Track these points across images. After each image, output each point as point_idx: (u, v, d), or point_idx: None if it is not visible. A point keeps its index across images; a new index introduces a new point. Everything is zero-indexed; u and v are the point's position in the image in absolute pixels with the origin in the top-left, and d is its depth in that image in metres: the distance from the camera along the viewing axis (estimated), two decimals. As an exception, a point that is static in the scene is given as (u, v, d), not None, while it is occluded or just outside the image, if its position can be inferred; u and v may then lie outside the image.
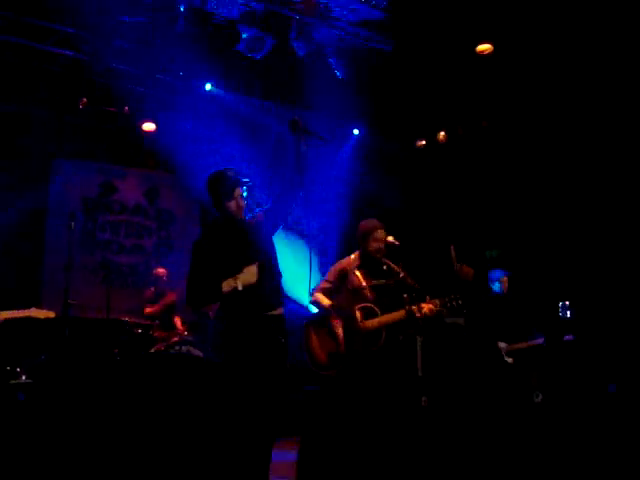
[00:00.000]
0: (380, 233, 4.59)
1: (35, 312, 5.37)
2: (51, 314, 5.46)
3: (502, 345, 6.40)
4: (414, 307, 4.39)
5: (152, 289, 7.31)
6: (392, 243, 4.59)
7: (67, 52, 6.67)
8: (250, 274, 3.48)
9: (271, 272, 3.60)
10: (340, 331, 4.43)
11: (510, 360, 6.36)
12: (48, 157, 7.91)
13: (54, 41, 6.35)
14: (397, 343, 4.51)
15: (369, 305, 4.48)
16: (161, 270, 7.39)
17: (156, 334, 6.77)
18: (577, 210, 7.78)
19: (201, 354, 6.52)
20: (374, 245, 4.55)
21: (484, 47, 6.82)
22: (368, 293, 4.53)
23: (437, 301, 4.44)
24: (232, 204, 3.60)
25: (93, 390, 5.84)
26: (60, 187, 8.00)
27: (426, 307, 4.38)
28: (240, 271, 3.46)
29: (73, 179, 8.09)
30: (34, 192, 7.71)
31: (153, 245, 8.59)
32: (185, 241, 8.76)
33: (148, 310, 7.11)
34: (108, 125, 7.95)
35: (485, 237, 8.83)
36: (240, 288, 3.44)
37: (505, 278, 6.64)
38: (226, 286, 3.45)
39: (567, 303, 7.15)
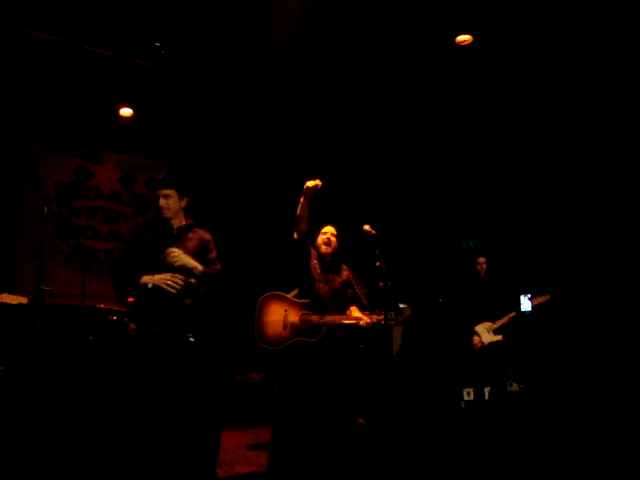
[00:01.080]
0: (326, 228, 4.81)
1: (6, 298, 5.31)
2: (23, 300, 5.40)
3: (486, 325, 6.52)
4: (354, 317, 4.54)
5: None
6: (369, 232, 4.61)
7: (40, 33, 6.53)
8: (161, 279, 3.74)
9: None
10: (289, 316, 4.52)
11: (499, 337, 6.51)
12: (24, 142, 7.79)
13: (28, 22, 6.19)
14: (336, 341, 4.60)
15: (322, 299, 4.55)
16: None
17: (132, 325, 6.73)
18: (553, 199, 7.86)
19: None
20: (319, 238, 4.78)
21: (464, 37, 6.84)
22: (321, 285, 4.62)
23: (374, 316, 4.54)
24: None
25: (66, 377, 5.81)
26: (35, 172, 7.90)
27: (363, 321, 4.47)
28: (159, 270, 3.75)
29: (48, 164, 7.99)
30: (9, 178, 7.62)
31: (129, 231, 8.52)
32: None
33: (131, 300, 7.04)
34: (84, 109, 7.82)
35: (462, 227, 8.89)
36: (149, 286, 3.73)
37: (483, 259, 6.78)
38: (143, 280, 3.76)
39: (529, 295, 7.27)
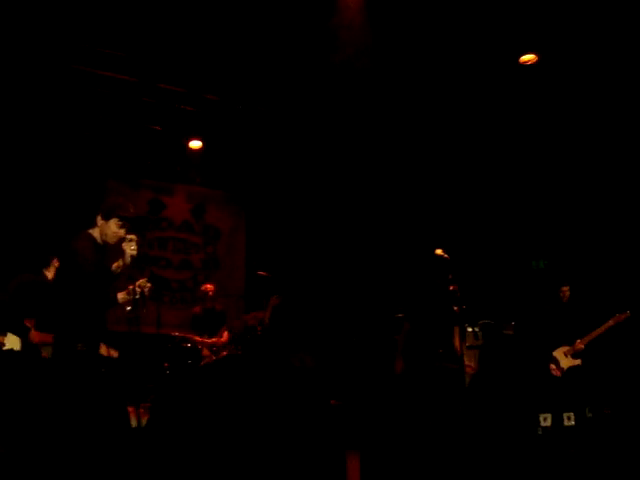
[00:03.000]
0: None
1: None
2: (115, 353, 5.52)
3: (564, 349, 6.36)
4: None
5: (199, 307, 7.42)
6: (441, 256, 4.60)
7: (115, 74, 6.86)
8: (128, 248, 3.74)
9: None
10: None
11: (578, 362, 6.32)
12: (99, 177, 8.11)
13: (105, 64, 6.52)
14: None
15: None
16: (208, 286, 7.49)
17: (204, 352, 6.87)
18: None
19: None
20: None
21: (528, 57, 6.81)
22: None
23: None
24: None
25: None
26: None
27: None
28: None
29: (123, 197, 8.26)
30: (85, 212, 7.92)
31: (200, 261, 8.74)
32: (231, 257, 8.93)
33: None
34: (156, 144, 8.12)
35: (532, 247, 8.72)
36: (128, 263, 3.75)
37: (567, 287, 6.65)
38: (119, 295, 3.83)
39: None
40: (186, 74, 6.95)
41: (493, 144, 8.15)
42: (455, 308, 4.37)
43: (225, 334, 7.28)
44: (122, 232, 3.78)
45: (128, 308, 4.04)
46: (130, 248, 3.74)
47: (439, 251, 4.62)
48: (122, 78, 6.80)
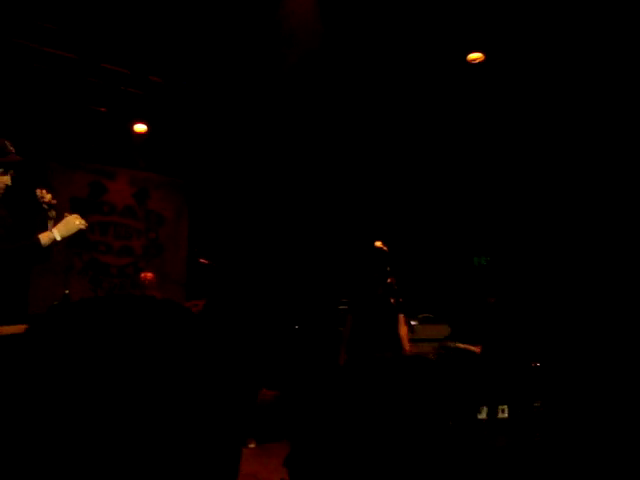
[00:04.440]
0: None
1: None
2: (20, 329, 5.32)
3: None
4: None
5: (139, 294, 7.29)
6: (380, 248, 4.63)
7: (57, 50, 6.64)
8: (71, 224, 3.42)
9: None
10: None
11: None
12: (40, 159, 7.86)
13: (46, 40, 6.30)
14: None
15: None
16: (148, 275, 7.35)
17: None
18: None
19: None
20: None
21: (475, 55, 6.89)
22: None
23: None
24: None
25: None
26: (50, 187, 7.95)
27: None
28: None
29: (63, 179, 8.06)
30: (25, 193, 7.66)
31: (141, 247, 8.57)
32: (174, 244, 8.79)
33: None
34: (99, 126, 7.92)
35: (474, 244, 8.88)
36: (59, 238, 3.36)
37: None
38: (44, 238, 3.33)
39: None
40: (131, 55, 6.78)
41: (439, 140, 8.25)
42: (392, 300, 4.40)
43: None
44: (5, 179, 3.42)
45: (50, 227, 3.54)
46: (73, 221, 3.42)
47: (378, 243, 4.65)
48: (65, 55, 6.58)
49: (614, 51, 6.34)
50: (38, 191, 3.54)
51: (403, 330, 4.70)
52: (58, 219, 3.48)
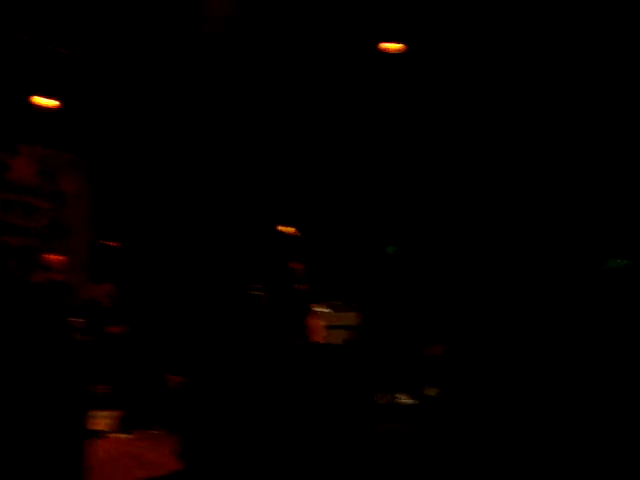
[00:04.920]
0: None
1: None
2: None
3: None
4: None
5: (40, 277, 7.01)
6: (289, 234, 4.61)
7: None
8: None
9: None
10: None
11: None
12: None
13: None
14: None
15: None
16: (52, 256, 7.09)
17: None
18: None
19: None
20: None
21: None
22: None
23: None
24: None
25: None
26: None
27: None
28: None
29: None
30: None
31: (45, 227, 8.18)
32: (78, 225, 8.43)
33: None
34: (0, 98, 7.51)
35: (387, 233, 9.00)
36: None
37: None
38: None
39: None
40: (35, 25, 6.44)
41: (355, 127, 8.29)
42: (299, 286, 4.39)
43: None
44: None
45: None
46: None
47: (287, 229, 4.62)
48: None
49: (531, 39, 6.51)
50: None
51: (312, 319, 4.71)
52: None
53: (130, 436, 5.75)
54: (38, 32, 6.46)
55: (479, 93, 7.36)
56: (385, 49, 6.67)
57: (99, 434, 5.33)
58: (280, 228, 4.41)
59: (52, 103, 7.45)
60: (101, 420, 5.67)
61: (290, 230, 4.52)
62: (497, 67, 6.96)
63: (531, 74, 6.97)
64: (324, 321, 6.84)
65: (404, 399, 6.57)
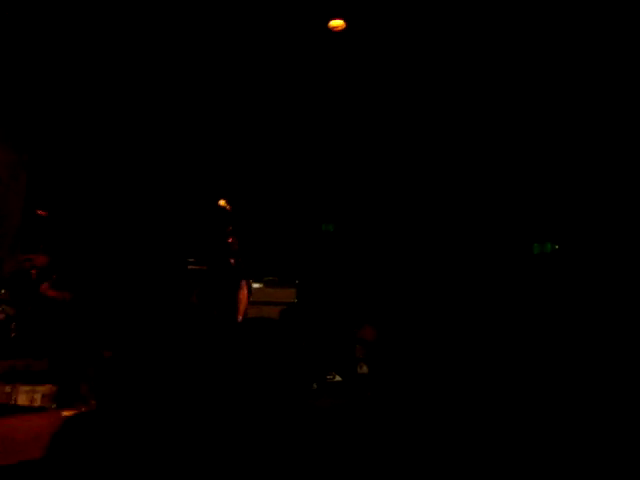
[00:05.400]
0: None
1: None
2: None
3: None
4: None
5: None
6: (223, 207, 4.58)
7: None
8: None
9: None
10: None
11: None
12: None
13: None
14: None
15: None
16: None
17: None
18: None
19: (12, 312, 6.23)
20: None
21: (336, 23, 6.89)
22: None
23: None
24: None
25: None
26: None
27: None
28: None
29: None
30: None
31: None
32: (9, 195, 8.12)
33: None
34: None
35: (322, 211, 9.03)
36: None
37: None
38: None
39: None
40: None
41: (294, 104, 8.25)
42: (231, 260, 4.38)
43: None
44: None
45: None
46: None
47: (222, 202, 4.59)
48: None
49: (475, 20, 6.54)
50: None
51: (242, 294, 4.70)
52: None
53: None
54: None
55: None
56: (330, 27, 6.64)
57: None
58: (216, 202, 4.39)
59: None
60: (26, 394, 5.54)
61: (223, 203, 4.49)
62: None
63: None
64: (258, 296, 6.87)
65: (337, 377, 6.65)
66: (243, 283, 4.77)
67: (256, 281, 6.68)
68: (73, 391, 5.95)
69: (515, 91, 7.25)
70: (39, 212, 6.83)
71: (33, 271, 6.72)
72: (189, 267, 6.92)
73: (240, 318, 4.57)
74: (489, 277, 7.36)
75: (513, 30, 6.50)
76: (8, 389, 5.59)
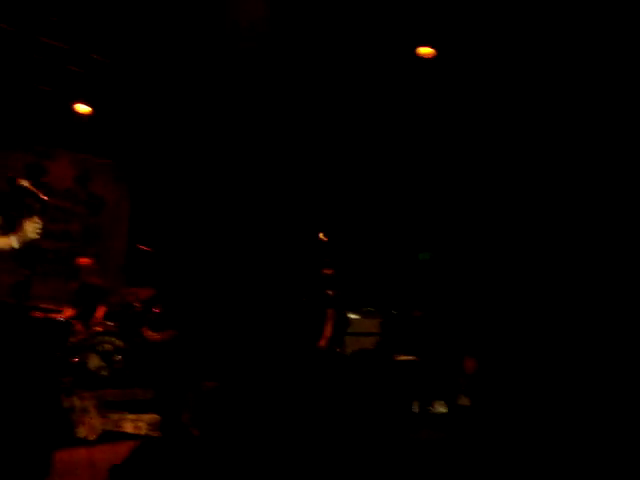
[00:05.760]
0: None
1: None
2: None
3: None
4: None
5: (76, 280, 7.13)
6: (321, 240, 4.58)
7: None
8: (31, 229, 3.12)
9: None
10: None
11: None
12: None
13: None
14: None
15: None
16: (84, 260, 7.20)
17: (78, 326, 6.55)
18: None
19: (123, 345, 6.45)
20: None
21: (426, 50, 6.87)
22: None
23: None
24: None
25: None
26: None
27: None
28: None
29: (1, 160, 7.77)
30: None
31: (81, 231, 8.33)
32: (114, 229, 8.56)
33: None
34: (38, 105, 7.63)
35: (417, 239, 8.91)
36: (17, 246, 3.11)
37: None
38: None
39: None
40: (73, 31, 6.53)
41: (388, 133, 8.23)
42: (329, 292, 4.35)
43: (101, 309, 7.00)
44: None
45: None
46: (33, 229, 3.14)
47: (320, 234, 4.60)
48: (2, 27, 6.29)
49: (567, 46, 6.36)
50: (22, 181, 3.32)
51: (328, 325, 4.66)
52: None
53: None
54: (76, 41, 6.54)
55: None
56: (419, 54, 6.61)
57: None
58: (314, 234, 4.39)
59: (89, 110, 7.57)
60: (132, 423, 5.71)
61: (321, 236, 4.49)
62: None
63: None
64: (355, 327, 6.80)
65: (438, 408, 6.48)
66: (330, 313, 4.75)
67: (353, 312, 6.63)
68: (176, 420, 6.08)
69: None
70: (141, 247, 7.11)
71: (137, 304, 6.99)
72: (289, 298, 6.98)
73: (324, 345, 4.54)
74: (599, 309, 6.99)
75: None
76: (116, 417, 5.83)
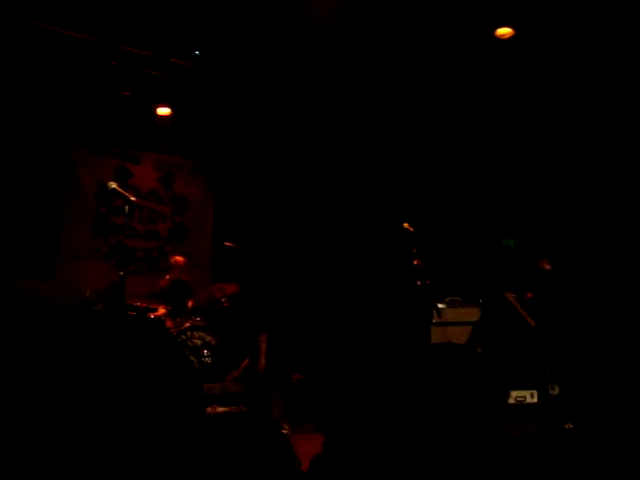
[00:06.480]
0: None
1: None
2: None
3: None
4: None
5: (167, 277, 7.33)
6: (407, 230, 4.54)
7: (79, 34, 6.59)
8: None
9: None
10: None
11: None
12: (64, 144, 7.86)
13: (67, 24, 6.24)
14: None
15: None
16: (179, 258, 7.42)
17: (168, 323, 6.75)
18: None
19: (213, 340, 6.61)
20: None
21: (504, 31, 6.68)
22: None
23: None
24: None
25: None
26: (75, 173, 8.00)
27: None
28: None
29: (88, 165, 8.09)
30: (50, 179, 7.69)
31: (167, 231, 8.57)
32: (199, 227, 8.78)
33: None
34: (123, 110, 7.88)
35: (503, 226, 8.69)
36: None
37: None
38: None
39: None
40: (155, 37, 6.72)
41: (467, 119, 8.06)
42: (418, 283, 4.31)
43: (190, 305, 7.20)
44: None
45: None
46: None
47: (405, 225, 4.56)
48: (86, 39, 6.53)
49: None
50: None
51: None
52: None
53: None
54: (159, 47, 6.72)
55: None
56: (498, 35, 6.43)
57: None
58: (401, 225, 4.36)
59: (169, 112, 7.76)
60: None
61: (407, 226, 4.45)
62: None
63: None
64: (442, 317, 6.70)
65: (529, 398, 6.31)
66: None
67: (439, 301, 6.53)
68: (265, 414, 6.17)
69: None
70: (227, 244, 7.24)
71: (224, 299, 7.14)
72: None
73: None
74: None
75: None
76: (208, 409, 5.97)
